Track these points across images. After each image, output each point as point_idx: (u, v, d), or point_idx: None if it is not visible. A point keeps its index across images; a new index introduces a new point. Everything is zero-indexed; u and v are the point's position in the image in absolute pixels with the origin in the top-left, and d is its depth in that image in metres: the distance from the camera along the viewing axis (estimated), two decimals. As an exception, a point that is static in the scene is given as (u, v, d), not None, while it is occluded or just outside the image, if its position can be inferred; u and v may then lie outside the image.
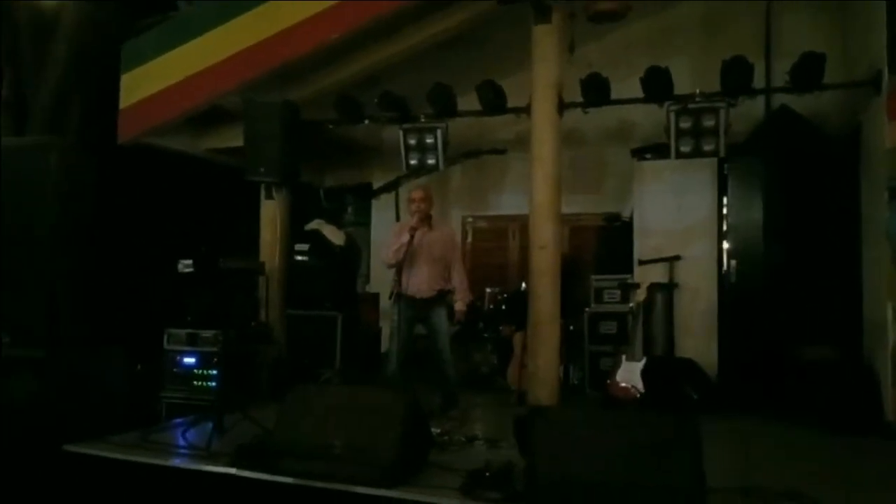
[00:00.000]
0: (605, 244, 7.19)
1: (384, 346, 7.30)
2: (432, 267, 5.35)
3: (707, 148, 5.21)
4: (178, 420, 4.83)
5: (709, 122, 5.15)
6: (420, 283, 5.30)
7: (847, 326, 5.49)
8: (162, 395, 5.39)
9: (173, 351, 5.47)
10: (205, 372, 5.32)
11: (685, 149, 5.26)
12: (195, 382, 5.38)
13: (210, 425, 4.32)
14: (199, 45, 5.97)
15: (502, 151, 7.34)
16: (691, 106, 5.22)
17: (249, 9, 5.82)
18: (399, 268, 5.25)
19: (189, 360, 5.41)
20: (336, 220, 7.95)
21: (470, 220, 8.14)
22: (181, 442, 4.17)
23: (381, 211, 8.19)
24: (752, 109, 5.93)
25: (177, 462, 3.84)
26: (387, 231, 7.22)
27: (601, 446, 3.09)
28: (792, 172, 5.82)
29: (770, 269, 5.83)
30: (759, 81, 5.53)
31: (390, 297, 5.35)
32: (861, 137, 5.61)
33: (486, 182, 7.86)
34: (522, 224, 7.35)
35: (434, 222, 5.50)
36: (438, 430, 4.28)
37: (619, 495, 2.93)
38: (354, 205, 8.72)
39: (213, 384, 5.21)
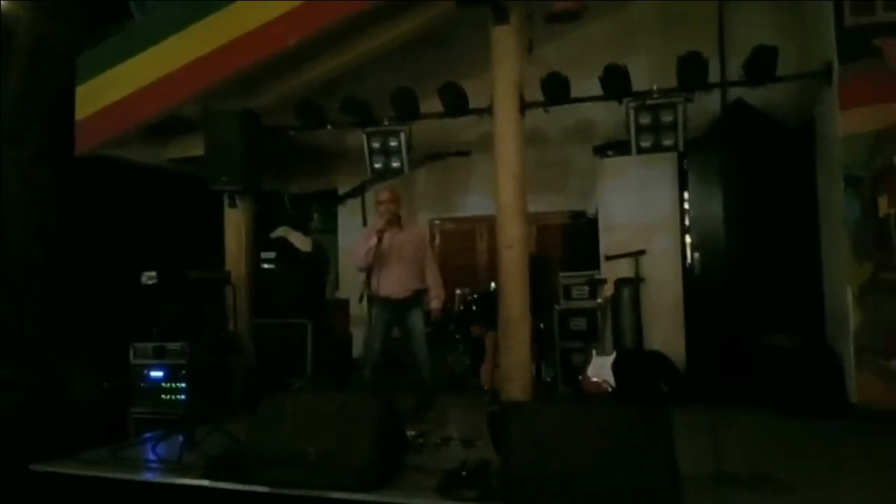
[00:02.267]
0: (571, 242, 7.25)
1: (356, 351, 7.28)
2: (405, 267, 5.36)
3: (666, 143, 5.29)
4: (148, 434, 4.74)
5: (667, 118, 5.24)
6: (394, 284, 5.30)
7: (809, 313, 5.61)
8: (131, 410, 5.30)
9: (140, 365, 5.37)
10: (173, 385, 5.24)
11: (645, 144, 5.34)
12: (164, 396, 5.30)
13: (180, 438, 4.26)
14: (154, 53, 5.88)
15: (466, 153, 7.36)
16: (649, 102, 5.30)
17: (205, 16, 5.76)
18: (370, 271, 5.24)
19: (156, 374, 5.33)
20: (302, 226, 7.88)
21: (437, 222, 8.14)
22: (152, 456, 4.09)
23: (347, 216, 8.14)
24: (708, 104, 6.04)
25: (148, 476, 3.78)
26: (354, 237, 7.22)
27: (575, 440, 3.11)
28: (750, 164, 5.94)
29: (732, 259, 5.94)
30: (714, 76, 5.65)
31: (360, 301, 5.34)
32: (815, 127, 5.75)
33: (451, 184, 7.87)
34: (490, 225, 7.36)
35: (404, 223, 5.51)
36: (414, 433, 4.27)
37: (594, 487, 2.96)
38: (320, 211, 8.65)
39: (182, 397, 5.13)
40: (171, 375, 5.23)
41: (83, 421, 4.45)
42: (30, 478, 3.88)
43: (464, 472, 3.34)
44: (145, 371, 5.35)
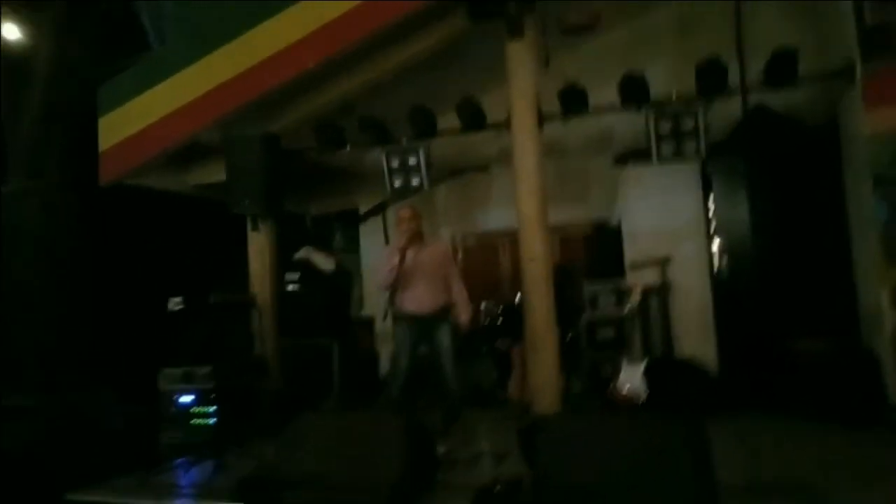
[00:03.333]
0: (594, 251, 7.20)
1: (382, 369, 7.27)
2: (430, 283, 5.34)
3: (688, 150, 5.23)
4: (179, 460, 4.76)
5: (687, 125, 5.18)
6: (419, 300, 5.29)
7: (843, 316, 5.50)
8: (161, 436, 5.31)
9: (169, 391, 5.39)
10: (202, 409, 5.24)
11: (666, 152, 5.27)
12: (193, 421, 5.30)
13: (211, 463, 4.27)
14: (174, 83, 5.97)
15: (485, 168, 7.36)
16: (669, 109, 5.25)
17: (222, 44, 5.83)
18: (394, 289, 5.24)
19: (185, 400, 5.33)
20: (324, 247, 7.89)
21: (459, 237, 8.13)
22: (182, 482, 4.11)
23: (369, 236, 8.17)
24: (730, 108, 5.95)
25: (180, 502, 3.78)
26: (377, 256, 7.23)
27: (607, 452, 3.07)
28: (774, 167, 5.86)
29: (760, 264, 5.85)
30: (733, 79, 5.57)
31: (384, 319, 5.32)
32: (840, 127, 5.66)
33: (472, 199, 7.87)
34: (512, 238, 7.32)
35: (427, 239, 5.50)
36: (444, 449, 4.24)
37: (629, 501, 2.90)
38: (342, 231, 8.70)
39: (212, 421, 5.13)
40: (201, 400, 5.23)
41: (111, 448, 4.48)
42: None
43: (496, 489, 3.30)
44: (174, 396, 5.35)
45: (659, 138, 5.22)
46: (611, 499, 2.93)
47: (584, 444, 3.14)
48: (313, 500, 3.36)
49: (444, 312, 5.43)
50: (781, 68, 5.06)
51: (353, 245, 8.53)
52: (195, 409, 5.29)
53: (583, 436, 3.21)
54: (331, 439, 3.50)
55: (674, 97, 5.29)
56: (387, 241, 7.28)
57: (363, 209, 8.09)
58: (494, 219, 7.72)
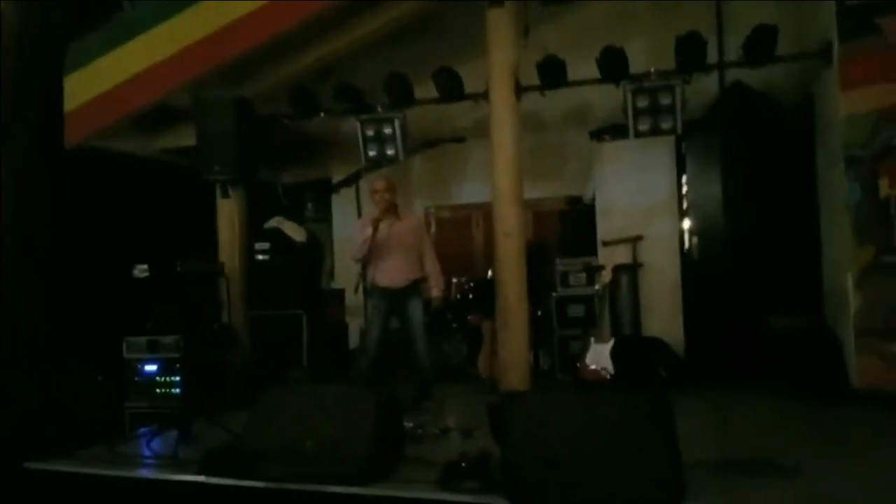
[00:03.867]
0: (568, 228, 7.20)
1: (352, 342, 7.23)
2: (404, 257, 5.30)
3: (665, 126, 5.22)
4: (143, 430, 4.68)
5: (665, 100, 5.16)
6: (393, 273, 5.25)
7: (809, 296, 5.57)
8: (125, 405, 5.23)
9: (133, 359, 5.31)
10: (168, 379, 5.18)
11: (643, 128, 5.26)
12: (158, 390, 5.23)
13: (176, 434, 4.20)
14: (144, 42, 5.77)
15: (461, 140, 7.28)
16: (647, 84, 5.22)
17: (195, 3, 5.65)
18: (367, 261, 5.18)
19: (150, 368, 5.26)
20: (296, 217, 7.80)
21: (432, 210, 8.08)
22: (147, 452, 4.03)
23: (341, 206, 8.06)
24: (706, 86, 5.94)
25: (144, 473, 3.71)
26: (349, 226, 7.13)
27: (576, 428, 3.06)
28: (748, 146, 5.89)
29: (731, 243, 5.90)
30: (712, 57, 5.56)
31: (355, 292, 5.28)
32: (815, 108, 5.68)
33: (447, 171, 7.80)
34: (486, 212, 7.28)
35: (401, 212, 5.44)
36: (412, 424, 4.22)
37: (597, 476, 2.91)
38: (314, 201, 8.58)
39: (177, 391, 5.07)
40: (166, 369, 5.17)
41: (78, 418, 4.38)
42: (25, 477, 3.82)
43: (463, 464, 3.29)
44: (139, 365, 5.28)
45: (636, 113, 5.20)
46: (578, 474, 2.94)
47: (552, 420, 3.12)
48: (283, 472, 3.32)
49: (416, 286, 5.41)
50: (760, 45, 5.05)
51: (324, 215, 8.42)
52: (160, 379, 5.23)
53: (551, 412, 3.19)
54: (302, 412, 3.44)
55: (652, 72, 5.24)
56: (359, 213, 7.17)
57: (336, 179, 7.95)
58: (468, 192, 7.68)
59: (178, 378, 5.07)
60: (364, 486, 3.22)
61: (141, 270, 4.98)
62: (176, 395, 5.06)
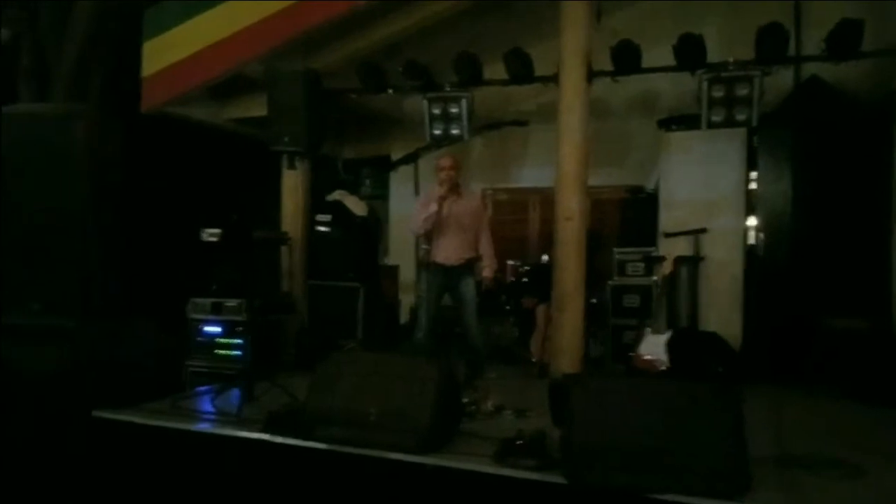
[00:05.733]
0: (627, 217, 7.13)
1: (403, 318, 7.31)
2: (461, 235, 5.35)
3: (739, 117, 5.09)
4: (205, 388, 4.83)
5: (742, 91, 5.03)
6: (449, 251, 5.31)
7: (876, 298, 5.42)
8: (187, 363, 5.40)
9: (196, 320, 5.46)
10: (229, 341, 5.31)
11: (717, 118, 5.14)
12: (218, 351, 5.38)
13: (237, 393, 4.33)
14: (221, 12, 5.83)
15: (524, 123, 7.25)
16: (724, 74, 5.10)
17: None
18: (428, 237, 5.24)
19: (212, 329, 5.41)
20: (353, 192, 7.89)
21: (490, 191, 8.07)
22: (211, 408, 4.17)
23: (399, 183, 8.13)
24: (779, 80, 5.79)
25: (208, 427, 3.84)
26: (406, 204, 7.20)
27: (639, 414, 3.05)
28: (822, 143, 5.73)
29: (798, 241, 5.77)
30: (789, 50, 5.42)
31: (421, 266, 5.35)
32: (894, 107, 5.49)
33: (507, 154, 7.78)
34: (543, 197, 7.30)
35: (462, 191, 5.47)
36: (467, 400, 4.27)
37: (660, 463, 2.90)
38: (372, 177, 8.65)
39: (238, 353, 5.20)
40: (228, 331, 5.30)
41: (142, 373, 4.54)
42: (92, 425, 3.99)
43: (520, 441, 3.32)
44: (201, 326, 5.43)
45: (711, 104, 5.08)
46: (641, 460, 2.94)
47: (616, 405, 3.11)
48: (343, 436, 3.40)
49: (470, 265, 5.46)
50: (845, 40, 4.88)
51: (382, 191, 8.50)
52: (221, 340, 5.37)
53: (615, 397, 3.17)
54: (365, 378, 3.51)
55: (730, 62, 5.12)
56: (417, 191, 7.23)
57: (395, 156, 8.01)
58: (527, 176, 7.66)
59: (239, 340, 5.20)
60: (423, 455, 3.28)
61: (210, 234, 5.10)
62: (236, 356, 5.19)
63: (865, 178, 5.60)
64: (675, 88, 5.87)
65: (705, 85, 5.07)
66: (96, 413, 4.01)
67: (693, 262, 6.17)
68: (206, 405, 4.29)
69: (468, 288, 5.43)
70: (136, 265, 5.01)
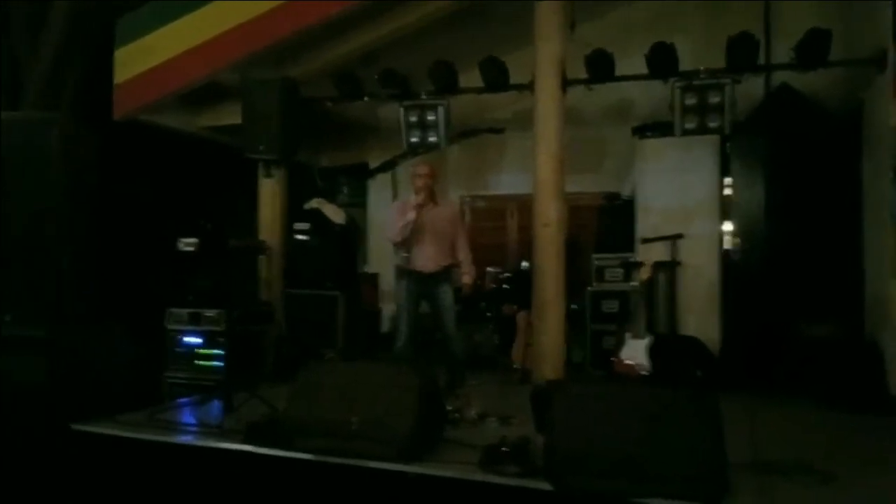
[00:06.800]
0: (604, 223, 7.18)
1: (384, 326, 7.29)
2: (438, 243, 5.35)
3: (712, 125, 5.18)
4: (185, 399, 4.78)
5: (714, 99, 5.12)
6: (426, 258, 5.30)
7: (849, 304, 5.52)
8: (165, 374, 5.33)
9: (174, 330, 5.40)
10: (208, 351, 5.26)
11: (690, 126, 5.23)
12: (198, 362, 5.32)
13: (217, 404, 4.29)
14: (195, 19, 5.83)
15: (500, 130, 7.30)
16: (696, 82, 5.19)
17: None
18: (406, 244, 5.23)
19: (191, 340, 5.35)
20: (331, 200, 7.86)
21: (467, 199, 8.09)
22: (190, 420, 4.12)
23: (377, 191, 8.14)
24: (750, 88, 5.90)
25: (188, 440, 3.80)
26: (384, 211, 7.19)
27: (621, 420, 3.08)
28: (794, 150, 5.83)
29: (772, 247, 5.85)
30: (760, 59, 5.52)
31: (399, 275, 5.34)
32: (863, 115, 5.62)
33: (483, 161, 7.81)
34: (521, 203, 7.33)
35: (438, 199, 5.47)
36: (450, 408, 4.27)
37: (642, 468, 2.93)
38: (350, 185, 8.63)
39: (217, 364, 5.15)
40: (207, 342, 5.25)
41: (118, 384, 4.48)
42: (70, 437, 3.92)
43: (504, 448, 3.33)
44: (180, 336, 5.37)
45: (683, 111, 5.17)
46: (623, 465, 2.96)
47: (598, 410, 3.14)
48: (324, 446, 3.38)
49: (448, 272, 5.46)
50: (813, 49, 4.99)
51: (359, 199, 8.48)
52: (200, 351, 5.32)
53: (596, 402, 3.20)
54: (346, 388, 3.49)
55: (702, 70, 5.21)
56: (395, 198, 7.23)
57: (372, 164, 8.01)
58: (504, 182, 7.69)
59: (218, 351, 5.15)
60: (405, 464, 3.28)
61: (186, 244, 5.05)
62: (215, 367, 5.13)
63: (836, 184, 5.71)
64: (649, 96, 5.94)
65: (678, 93, 5.16)
66: (76, 426, 3.95)
67: (671, 267, 6.24)
68: (187, 417, 4.24)
69: (446, 295, 5.42)
70: (110, 273, 4.96)
